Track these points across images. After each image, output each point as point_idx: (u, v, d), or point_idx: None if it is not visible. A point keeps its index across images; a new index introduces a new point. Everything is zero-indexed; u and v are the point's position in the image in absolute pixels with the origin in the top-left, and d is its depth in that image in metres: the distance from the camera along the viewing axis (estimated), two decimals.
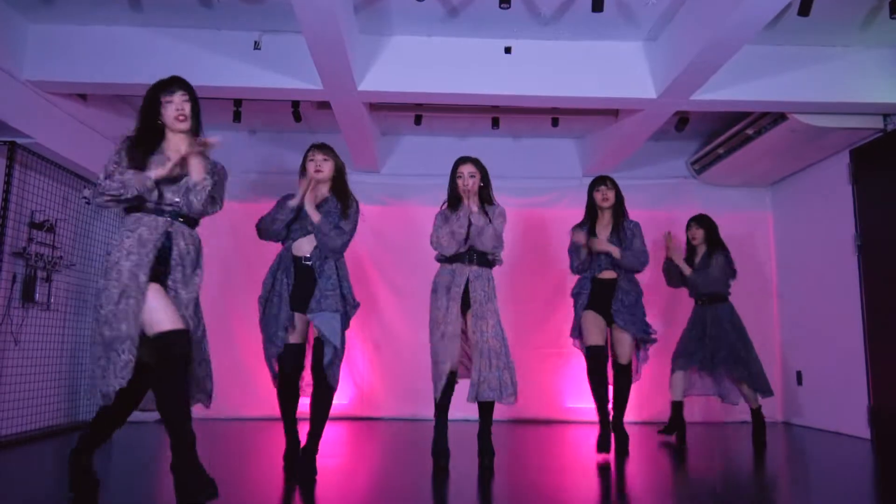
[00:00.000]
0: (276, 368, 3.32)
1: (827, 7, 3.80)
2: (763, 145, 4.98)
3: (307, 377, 3.36)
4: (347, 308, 3.27)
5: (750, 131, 4.95)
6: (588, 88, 4.30)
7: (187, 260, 2.68)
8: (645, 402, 5.67)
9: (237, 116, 5.09)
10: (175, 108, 2.69)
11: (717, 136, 5.51)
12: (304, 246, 3.30)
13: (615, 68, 4.31)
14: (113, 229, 5.40)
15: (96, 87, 4.39)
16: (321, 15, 3.36)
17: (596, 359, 3.97)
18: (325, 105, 4.80)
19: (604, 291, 4.05)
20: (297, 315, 3.27)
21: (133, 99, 5.20)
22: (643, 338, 4.06)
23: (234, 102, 5.03)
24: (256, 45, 4.26)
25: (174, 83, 2.72)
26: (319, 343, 3.17)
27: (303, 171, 3.42)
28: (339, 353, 3.15)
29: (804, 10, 3.54)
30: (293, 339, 3.28)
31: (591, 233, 4.11)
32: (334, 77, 4.04)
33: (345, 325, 3.23)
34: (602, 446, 3.88)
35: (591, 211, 4.17)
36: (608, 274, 4.07)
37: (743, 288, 5.89)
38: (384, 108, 5.04)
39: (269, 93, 4.38)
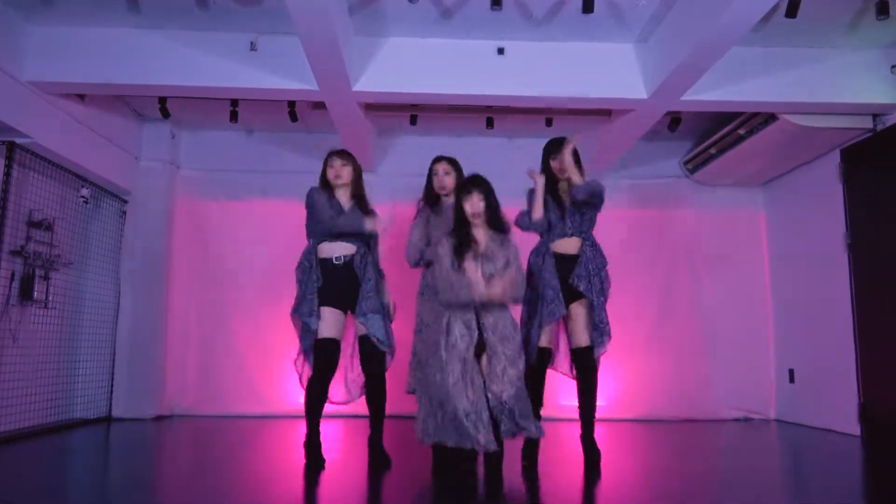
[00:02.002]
0: (308, 370, 3.46)
1: (814, 9, 3.85)
2: (754, 145, 5.03)
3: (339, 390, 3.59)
4: (388, 306, 3.56)
5: (742, 131, 4.99)
6: (580, 89, 4.36)
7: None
8: (636, 398, 5.72)
9: (234, 116, 5.15)
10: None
11: (710, 136, 5.54)
12: (336, 249, 3.46)
13: (607, 69, 4.37)
14: (111, 228, 5.46)
15: (95, 87, 4.44)
16: (316, 17, 3.41)
17: (543, 363, 3.51)
18: (320, 105, 4.85)
19: (566, 268, 3.47)
20: (328, 309, 3.39)
21: (130, 99, 5.26)
22: (599, 322, 3.44)
23: (231, 102, 5.09)
24: (252, 47, 4.31)
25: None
26: (365, 341, 3.43)
27: (324, 176, 3.57)
28: (392, 352, 3.52)
29: (791, 12, 3.59)
30: (327, 332, 3.36)
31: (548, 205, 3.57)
32: (329, 78, 4.09)
33: (388, 320, 3.53)
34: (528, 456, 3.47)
35: (547, 180, 3.57)
36: (570, 245, 3.50)
37: (737, 286, 5.98)
38: (379, 108, 5.09)
39: (264, 93, 4.44)
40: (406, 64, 4.35)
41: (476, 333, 2.96)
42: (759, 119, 4.80)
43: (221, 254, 5.82)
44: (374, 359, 3.43)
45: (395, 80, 4.33)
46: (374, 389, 3.47)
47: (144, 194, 5.59)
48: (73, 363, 5.11)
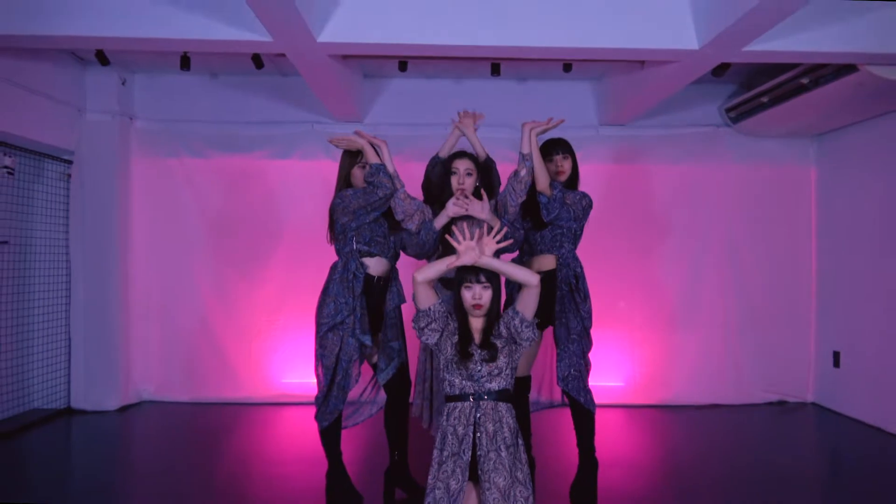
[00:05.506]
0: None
1: None
2: (819, 97, 4.10)
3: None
4: None
5: (805, 80, 4.06)
6: (610, 38, 3.41)
7: None
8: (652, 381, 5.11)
9: (185, 63, 4.24)
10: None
11: (759, 78, 4.64)
12: (373, 263, 3.05)
13: (645, 13, 3.40)
14: (55, 196, 4.70)
15: (11, 40, 3.53)
16: None
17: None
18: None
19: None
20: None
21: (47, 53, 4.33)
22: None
23: None
24: None
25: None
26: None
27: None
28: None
29: None
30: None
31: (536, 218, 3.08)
32: (283, 28, 3.17)
33: None
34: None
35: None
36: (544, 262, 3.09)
37: (777, 253, 5.22)
38: (359, 56, 4.16)
39: (215, 45, 3.51)
40: (385, 6, 3.39)
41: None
42: (830, 69, 3.86)
43: (185, 218, 5.07)
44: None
45: (372, 28, 3.37)
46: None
47: (92, 153, 4.76)
48: (25, 351, 4.48)
